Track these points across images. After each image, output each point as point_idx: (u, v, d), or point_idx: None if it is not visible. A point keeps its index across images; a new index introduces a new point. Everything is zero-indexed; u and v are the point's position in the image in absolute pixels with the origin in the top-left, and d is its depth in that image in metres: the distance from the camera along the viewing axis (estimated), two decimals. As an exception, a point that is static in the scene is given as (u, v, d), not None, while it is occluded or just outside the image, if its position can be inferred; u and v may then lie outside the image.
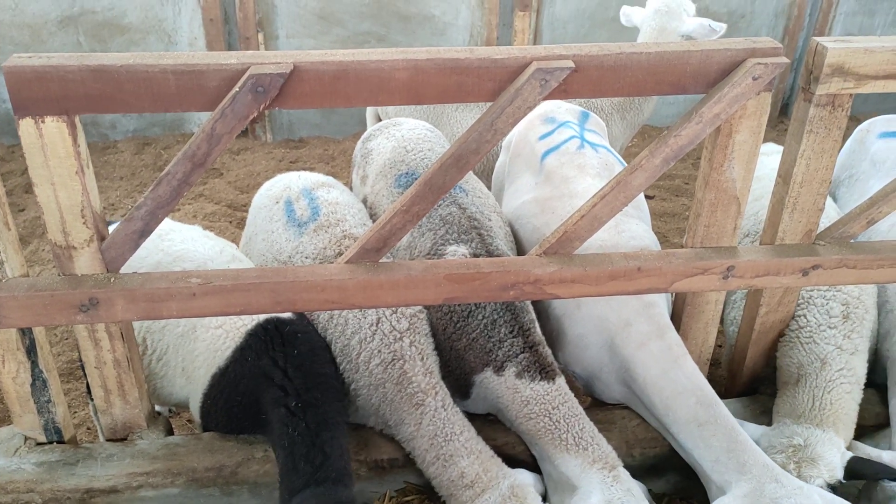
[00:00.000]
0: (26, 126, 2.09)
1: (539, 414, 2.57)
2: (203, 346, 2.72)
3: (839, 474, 2.50)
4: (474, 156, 2.27)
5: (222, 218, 5.71)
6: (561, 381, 2.63)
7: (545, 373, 2.60)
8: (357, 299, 2.44)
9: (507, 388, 2.62)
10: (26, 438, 2.75)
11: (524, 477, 2.52)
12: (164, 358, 2.81)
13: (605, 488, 2.41)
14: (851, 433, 2.67)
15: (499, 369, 2.63)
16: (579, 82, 2.22)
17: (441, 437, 2.54)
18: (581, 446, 2.50)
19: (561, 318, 2.90)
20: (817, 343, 2.79)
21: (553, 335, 2.94)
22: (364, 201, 3.30)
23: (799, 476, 2.47)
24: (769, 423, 2.87)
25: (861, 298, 2.88)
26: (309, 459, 2.35)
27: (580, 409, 2.60)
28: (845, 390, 2.70)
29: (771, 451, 2.58)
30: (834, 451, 2.54)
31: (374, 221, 3.14)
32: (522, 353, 2.61)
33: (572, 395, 2.63)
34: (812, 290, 2.91)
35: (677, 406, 2.59)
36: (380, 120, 5.01)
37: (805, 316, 2.87)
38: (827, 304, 2.86)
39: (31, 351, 2.56)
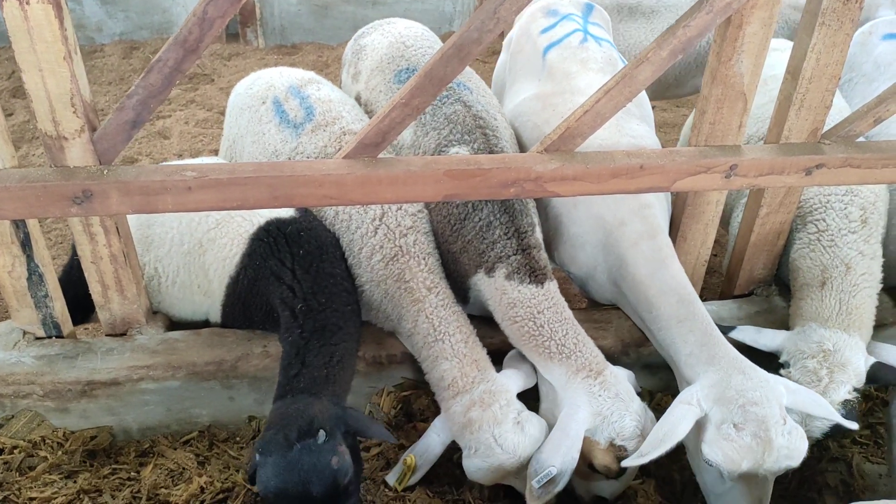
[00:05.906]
0: (10, 8, 2.01)
1: (524, 317, 2.51)
2: (211, 258, 2.70)
3: (863, 379, 2.54)
4: (476, 45, 2.19)
5: (214, 125, 5.60)
6: (551, 285, 2.56)
7: (534, 276, 2.54)
8: (355, 195, 2.40)
9: (495, 289, 2.57)
10: (25, 333, 2.76)
11: (503, 381, 2.48)
12: (177, 281, 2.79)
13: (591, 399, 2.36)
14: (870, 335, 2.69)
15: (490, 270, 2.58)
16: (587, -33, 2.13)
17: (432, 337, 2.53)
18: (564, 354, 2.44)
19: (559, 217, 2.88)
20: (839, 247, 2.79)
21: (550, 234, 2.93)
22: (357, 99, 3.21)
23: (830, 381, 2.50)
24: (764, 322, 2.91)
25: (876, 204, 2.87)
26: (288, 370, 2.33)
27: (568, 314, 2.54)
28: (867, 294, 2.71)
29: (800, 356, 2.60)
30: (860, 355, 2.57)
31: (369, 118, 3.07)
32: (515, 254, 2.56)
33: (562, 300, 2.56)
34: (829, 195, 2.89)
35: (661, 304, 2.60)
36: None
37: (825, 220, 2.86)
38: (845, 208, 2.84)
39: (25, 245, 2.53)
